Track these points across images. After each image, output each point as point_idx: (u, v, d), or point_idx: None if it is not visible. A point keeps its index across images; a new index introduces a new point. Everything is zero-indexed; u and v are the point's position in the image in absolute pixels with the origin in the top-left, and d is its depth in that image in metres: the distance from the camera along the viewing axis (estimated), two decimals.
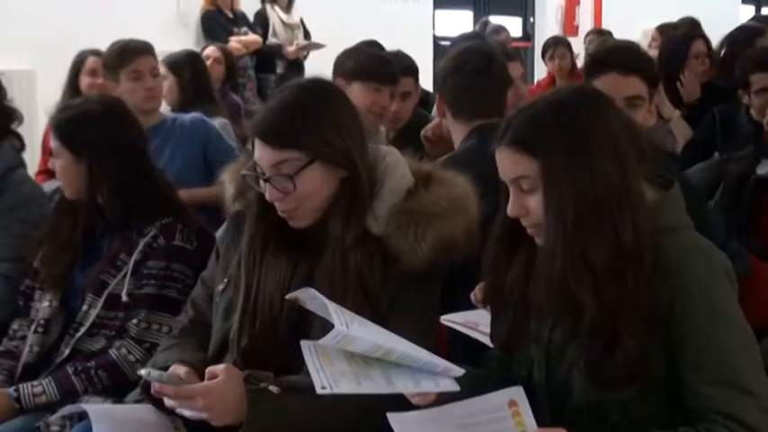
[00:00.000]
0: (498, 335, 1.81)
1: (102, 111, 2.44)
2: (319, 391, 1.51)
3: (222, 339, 1.98)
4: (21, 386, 2.26)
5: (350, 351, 1.58)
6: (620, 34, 6.72)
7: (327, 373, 1.55)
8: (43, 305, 2.43)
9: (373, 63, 3.25)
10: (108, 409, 2.07)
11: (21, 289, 2.51)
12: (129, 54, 3.54)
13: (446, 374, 1.61)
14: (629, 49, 2.71)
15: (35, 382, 2.27)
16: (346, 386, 1.54)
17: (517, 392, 1.57)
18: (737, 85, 3.79)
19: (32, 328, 2.41)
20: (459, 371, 1.61)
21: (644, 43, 7.60)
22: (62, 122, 2.41)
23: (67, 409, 2.05)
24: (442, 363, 1.61)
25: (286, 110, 1.87)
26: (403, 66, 3.49)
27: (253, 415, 1.75)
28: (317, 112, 1.87)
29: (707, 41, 4.91)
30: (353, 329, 1.54)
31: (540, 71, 8.28)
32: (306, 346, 1.58)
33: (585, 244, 1.57)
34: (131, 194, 2.39)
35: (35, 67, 5.77)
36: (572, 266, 1.58)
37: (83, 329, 2.33)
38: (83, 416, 2.02)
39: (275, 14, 7.24)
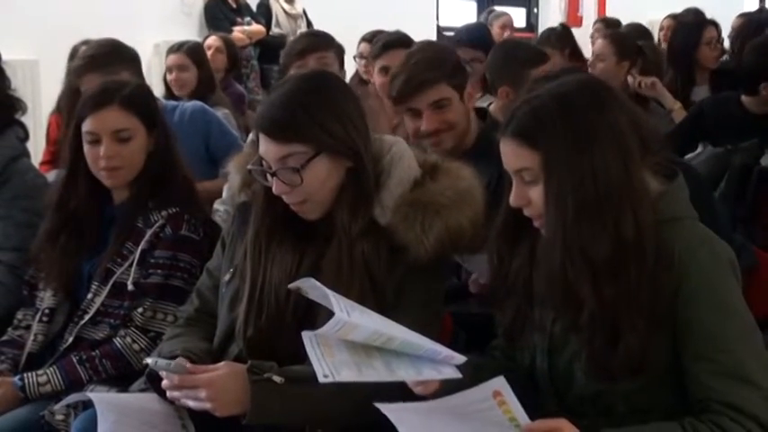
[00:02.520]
0: (502, 323, 1.81)
1: (148, 87, 2.51)
2: (321, 379, 1.52)
3: (227, 329, 1.99)
4: (25, 375, 2.26)
5: (351, 340, 1.58)
6: None
7: (329, 362, 1.55)
8: (48, 294, 2.43)
9: (290, 46, 3.40)
10: (113, 397, 2.07)
11: (25, 278, 2.51)
12: (80, 71, 3.28)
13: (448, 362, 1.61)
14: None
15: (40, 372, 2.27)
16: (348, 374, 1.55)
17: (499, 383, 1.58)
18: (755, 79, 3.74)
19: (37, 317, 2.41)
20: (461, 358, 1.61)
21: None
22: (133, 96, 2.38)
23: (72, 397, 2.05)
24: (443, 350, 1.61)
25: (289, 103, 1.87)
26: (396, 39, 3.61)
27: (256, 405, 1.76)
28: (319, 105, 1.87)
29: (717, 27, 4.90)
30: (354, 317, 1.54)
31: None
32: (306, 336, 1.58)
33: (585, 238, 1.57)
34: (168, 173, 2.40)
35: (38, 56, 5.76)
36: (571, 260, 1.59)
37: (87, 317, 2.33)
38: (87, 404, 2.03)
39: (278, 5, 7.23)
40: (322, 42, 3.47)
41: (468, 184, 1.93)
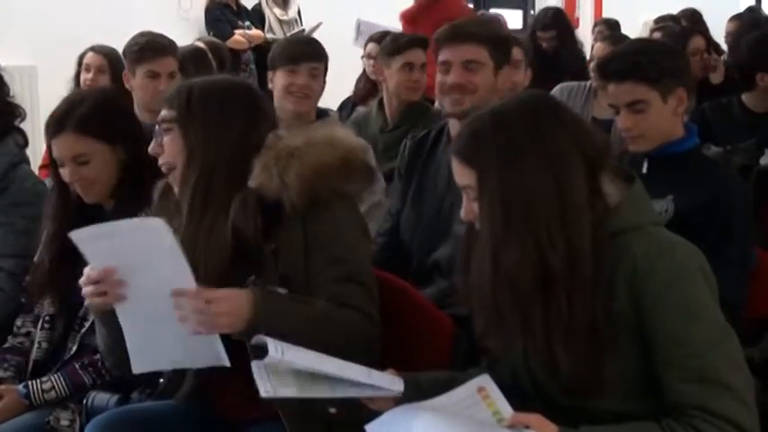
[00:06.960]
0: (476, 335, 1.79)
1: (111, 97, 2.45)
2: (263, 394, 1.55)
3: None
4: (30, 382, 2.27)
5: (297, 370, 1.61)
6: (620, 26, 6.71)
7: (273, 381, 1.58)
8: (47, 301, 2.42)
9: (284, 48, 3.38)
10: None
11: (24, 285, 2.50)
12: (149, 54, 3.51)
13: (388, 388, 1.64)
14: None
15: (44, 378, 2.28)
16: (287, 392, 1.58)
17: (484, 380, 1.62)
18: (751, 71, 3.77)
19: (39, 324, 2.41)
20: (399, 384, 1.64)
21: (645, 35, 7.59)
22: (88, 117, 2.32)
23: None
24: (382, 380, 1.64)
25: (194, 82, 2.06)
26: (414, 39, 3.79)
27: (261, 308, 1.78)
28: (209, 96, 2.00)
29: (706, 36, 4.88)
30: (288, 355, 1.57)
31: None
32: (255, 365, 1.60)
33: (509, 260, 1.57)
34: (149, 176, 2.36)
35: (37, 62, 5.76)
36: (496, 279, 1.59)
37: (87, 324, 2.32)
38: (95, 412, 2.09)
39: (269, 10, 7.21)
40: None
41: (324, 133, 1.98)
